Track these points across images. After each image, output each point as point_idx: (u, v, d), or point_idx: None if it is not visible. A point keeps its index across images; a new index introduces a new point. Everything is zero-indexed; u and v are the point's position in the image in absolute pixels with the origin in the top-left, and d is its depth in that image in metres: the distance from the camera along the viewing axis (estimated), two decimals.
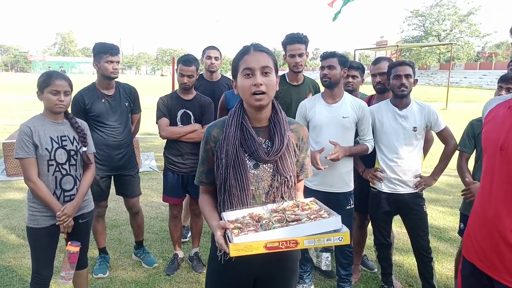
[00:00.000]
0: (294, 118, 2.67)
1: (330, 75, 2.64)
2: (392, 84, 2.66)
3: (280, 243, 1.27)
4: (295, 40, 2.94)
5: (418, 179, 2.71)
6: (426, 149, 2.92)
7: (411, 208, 2.73)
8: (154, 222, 4.36)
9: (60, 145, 2.26)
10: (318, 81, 2.98)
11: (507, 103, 1.55)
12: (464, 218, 2.65)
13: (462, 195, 2.64)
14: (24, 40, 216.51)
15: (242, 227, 1.37)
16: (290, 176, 1.56)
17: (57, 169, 2.25)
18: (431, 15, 55.44)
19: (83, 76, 48.98)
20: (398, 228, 3.99)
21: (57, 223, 2.26)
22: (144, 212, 3.84)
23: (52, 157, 2.23)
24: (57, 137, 2.27)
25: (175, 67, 3.29)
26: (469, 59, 54.79)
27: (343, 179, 2.71)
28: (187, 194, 3.36)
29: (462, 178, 2.63)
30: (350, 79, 3.05)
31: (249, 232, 1.32)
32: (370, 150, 2.74)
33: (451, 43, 26.83)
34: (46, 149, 2.21)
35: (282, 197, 1.55)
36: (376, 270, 3.32)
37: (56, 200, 2.25)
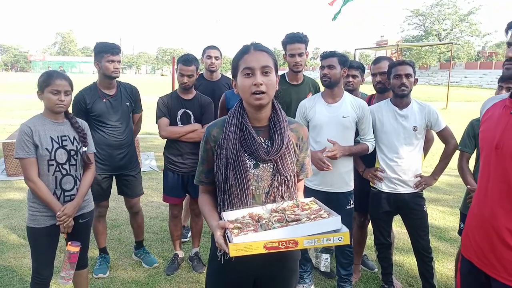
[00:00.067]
0: (294, 118, 2.67)
1: (330, 75, 2.64)
2: (393, 84, 2.66)
3: (280, 243, 1.26)
4: (295, 39, 2.94)
5: (419, 178, 2.71)
6: (426, 149, 2.92)
7: (411, 208, 2.73)
8: (154, 222, 4.36)
9: (61, 145, 2.26)
10: (318, 80, 2.98)
11: (503, 103, 1.56)
12: (464, 218, 2.63)
13: (468, 202, 2.62)
14: (24, 39, 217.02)
15: (242, 227, 1.37)
16: (290, 176, 1.56)
17: (57, 169, 2.25)
18: (432, 14, 55.47)
19: (83, 75, 48.98)
20: (399, 228, 3.99)
21: (57, 223, 2.26)
22: (144, 212, 3.84)
23: (52, 157, 2.23)
24: (58, 137, 2.27)
25: (175, 66, 3.29)
26: (469, 59, 54.82)
27: (343, 179, 2.71)
28: (187, 194, 3.36)
29: (463, 179, 2.63)
30: (351, 79, 3.05)
31: (249, 232, 1.32)
32: (371, 149, 2.73)
33: (452, 43, 26.88)
34: (46, 149, 2.21)
35: (282, 197, 1.55)
36: (376, 270, 3.32)
37: (56, 200, 2.25)
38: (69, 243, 2.28)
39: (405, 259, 3.55)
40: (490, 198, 1.50)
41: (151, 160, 7.18)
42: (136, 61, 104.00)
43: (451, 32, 54.75)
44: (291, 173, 1.56)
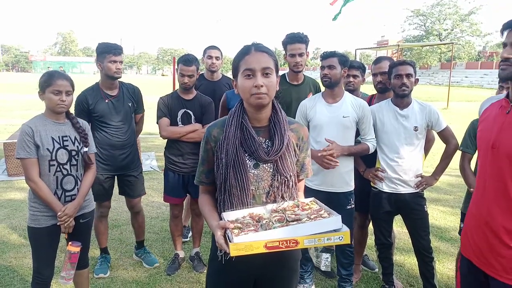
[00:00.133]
0: (294, 118, 2.67)
1: (330, 75, 2.64)
2: (393, 84, 2.66)
3: (280, 243, 1.26)
4: (295, 39, 2.94)
5: (419, 178, 2.71)
6: (427, 149, 2.92)
7: (412, 208, 2.73)
8: (155, 222, 4.36)
9: (62, 145, 2.26)
10: (319, 80, 2.98)
11: (499, 103, 1.58)
12: (464, 218, 2.65)
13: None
14: (25, 40, 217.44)
15: (242, 227, 1.37)
16: (290, 176, 1.56)
17: (58, 169, 2.26)
18: (432, 14, 55.43)
19: (84, 76, 48.98)
20: (399, 228, 3.99)
21: (58, 223, 2.26)
22: (145, 212, 3.84)
23: (53, 157, 2.23)
24: (59, 137, 2.27)
25: (176, 67, 3.29)
26: (470, 59, 54.73)
27: (343, 179, 2.71)
28: (187, 194, 3.36)
29: (465, 180, 2.63)
30: (351, 79, 3.05)
31: (249, 232, 1.32)
32: (372, 149, 2.73)
33: (452, 43, 26.90)
34: (48, 149, 2.21)
35: (283, 197, 1.54)
36: (377, 270, 3.31)
37: (57, 200, 2.26)
38: (70, 243, 2.28)
39: (405, 259, 3.55)
40: (486, 197, 1.51)
41: (151, 160, 7.19)
42: (137, 61, 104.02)
43: (452, 32, 54.71)
44: (291, 173, 1.56)
